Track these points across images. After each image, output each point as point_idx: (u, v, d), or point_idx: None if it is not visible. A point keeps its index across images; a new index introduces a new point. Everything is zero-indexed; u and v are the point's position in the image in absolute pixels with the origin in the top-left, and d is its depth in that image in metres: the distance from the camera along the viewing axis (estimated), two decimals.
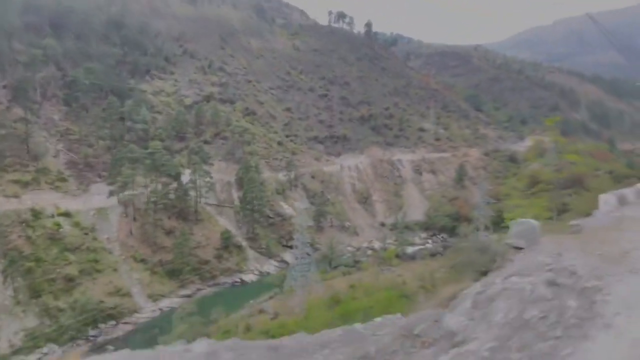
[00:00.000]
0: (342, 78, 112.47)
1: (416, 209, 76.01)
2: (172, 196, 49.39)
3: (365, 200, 76.35)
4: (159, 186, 48.61)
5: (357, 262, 47.10)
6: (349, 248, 60.45)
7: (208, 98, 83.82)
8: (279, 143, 79.78)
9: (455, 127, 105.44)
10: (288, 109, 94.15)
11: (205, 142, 68.93)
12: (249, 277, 47.23)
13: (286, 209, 60.96)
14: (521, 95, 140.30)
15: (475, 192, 78.22)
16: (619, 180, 61.76)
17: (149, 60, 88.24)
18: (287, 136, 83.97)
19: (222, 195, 59.20)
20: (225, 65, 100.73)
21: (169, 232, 46.50)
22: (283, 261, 53.56)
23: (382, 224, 71.13)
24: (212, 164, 56.87)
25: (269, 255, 52.93)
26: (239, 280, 46.44)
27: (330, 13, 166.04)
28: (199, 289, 43.53)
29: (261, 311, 32.50)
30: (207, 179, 52.68)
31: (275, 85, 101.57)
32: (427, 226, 67.73)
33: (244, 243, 52.12)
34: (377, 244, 62.03)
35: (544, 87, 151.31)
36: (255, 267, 50.30)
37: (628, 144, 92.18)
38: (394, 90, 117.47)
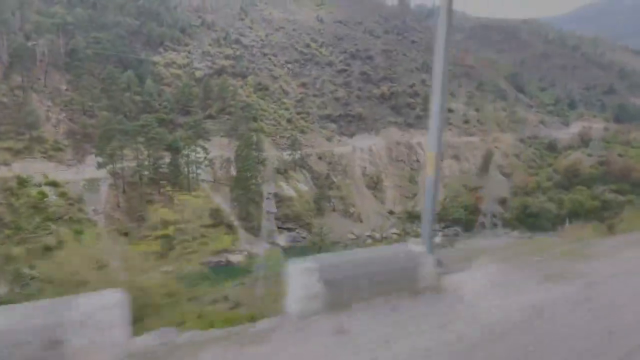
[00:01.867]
0: (365, 52, 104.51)
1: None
2: (164, 170, 48.21)
3: (375, 185, 71.37)
4: (151, 160, 47.46)
5: None
6: (350, 235, 56.79)
7: (220, 71, 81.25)
8: (289, 120, 76.03)
9: (489, 108, 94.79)
10: (303, 85, 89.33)
11: (210, 116, 66.98)
12: (236, 258, 45.46)
13: (286, 189, 58.04)
14: (573, 75, 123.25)
15: (502, 181, 70.17)
16: None
17: (164, 31, 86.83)
18: (298, 113, 79.84)
19: (220, 172, 57.39)
20: (242, 37, 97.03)
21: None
22: (276, 244, 51.27)
23: (391, 212, 66.22)
24: (208, 140, 54.74)
25: (262, 236, 50.78)
26: (224, 260, 44.86)
27: None
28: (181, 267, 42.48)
29: (226, 298, 30.26)
30: (201, 155, 50.79)
31: (292, 59, 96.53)
32: (440, 217, 61.78)
33: (236, 223, 50.26)
34: (379, 233, 57.80)
35: (601, 66, 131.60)
36: (246, 248, 48.47)
37: None
38: (423, 66, 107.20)
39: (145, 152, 47.36)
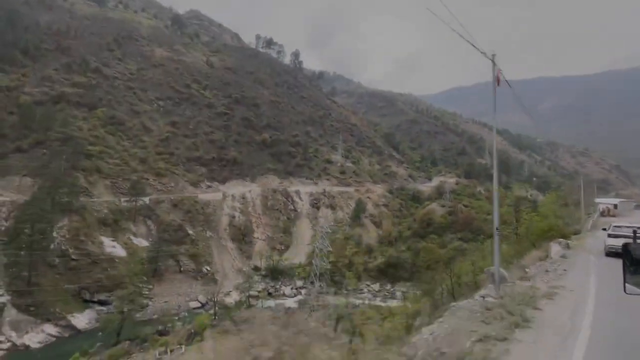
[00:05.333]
0: (251, 99, 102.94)
1: (305, 249, 64.91)
2: None
3: (243, 237, 63.23)
4: None
5: (161, 332, 32.57)
6: (193, 303, 45.84)
7: (58, 99, 66.59)
8: (143, 161, 64.45)
9: (365, 162, 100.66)
10: (173, 124, 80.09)
11: (19, 149, 51.24)
12: None
13: (108, 247, 44.98)
14: (435, 139, 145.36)
15: (372, 230, 70.49)
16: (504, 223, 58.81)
17: None
18: (158, 154, 69.09)
19: (7, 224, 41.43)
20: (105, 68, 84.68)
21: None
22: (69, 326, 36.84)
23: (256, 268, 58.11)
24: None
25: (48, 316, 35.91)
26: None
27: (258, 37, 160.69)
28: None
29: None
30: None
31: (165, 97, 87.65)
32: (307, 272, 56.33)
33: (4, 298, 34.64)
34: (235, 295, 48.49)
35: (456, 133, 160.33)
36: (10, 336, 32.89)
37: (523, 190, 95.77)
38: (309, 119, 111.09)
39: None
